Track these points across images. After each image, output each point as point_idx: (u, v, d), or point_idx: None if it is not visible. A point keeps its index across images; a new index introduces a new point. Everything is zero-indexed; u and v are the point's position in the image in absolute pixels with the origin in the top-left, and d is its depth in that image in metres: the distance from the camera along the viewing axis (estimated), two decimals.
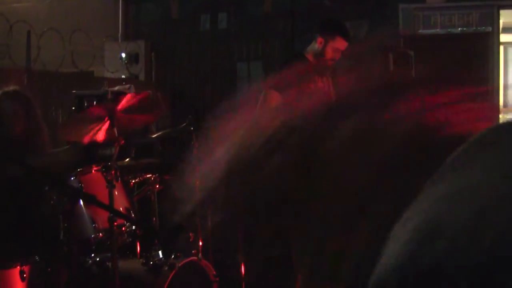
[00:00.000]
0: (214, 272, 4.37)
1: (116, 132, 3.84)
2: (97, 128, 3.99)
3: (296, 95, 5.15)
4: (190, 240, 4.64)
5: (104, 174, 3.74)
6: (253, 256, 4.90)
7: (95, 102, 6.49)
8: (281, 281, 5.64)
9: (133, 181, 4.32)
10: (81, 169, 3.91)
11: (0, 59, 7.54)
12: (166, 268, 4.03)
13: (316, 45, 5.23)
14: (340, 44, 5.14)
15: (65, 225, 3.71)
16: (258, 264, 5.83)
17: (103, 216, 3.69)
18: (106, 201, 3.48)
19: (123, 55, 9.02)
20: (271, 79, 5.29)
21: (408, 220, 0.74)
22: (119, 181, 3.93)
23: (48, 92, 7.42)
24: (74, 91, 6.83)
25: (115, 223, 3.58)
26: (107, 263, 4.20)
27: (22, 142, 4.56)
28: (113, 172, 3.63)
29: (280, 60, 5.59)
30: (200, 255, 4.38)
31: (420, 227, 0.71)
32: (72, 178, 3.84)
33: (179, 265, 4.03)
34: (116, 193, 3.74)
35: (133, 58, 9.13)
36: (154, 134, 5.90)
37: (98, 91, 6.89)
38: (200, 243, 4.63)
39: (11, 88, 4.79)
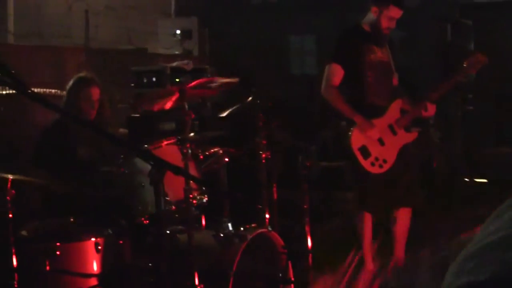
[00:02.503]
0: (283, 244, 4.39)
1: (186, 106, 3.87)
2: (166, 99, 4.05)
3: (359, 67, 5.14)
4: (258, 212, 4.67)
5: (180, 147, 3.78)
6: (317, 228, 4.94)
7: (154, 78, 6.56)
8: (345, 253, 5.69)
9: (202, 154, 4.35)
10: (150, 143, 3.96)
11: (59, 38, 7.65)
12: (237, 239, 4.07)
13: (371, 15, 5.20)
14: (394, 12, 5.11)
15: (138, 197, 3.77)
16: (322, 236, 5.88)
17: (174, 189, 3.73)
18: None
19: (177, 31, 9.06)
20: (332, 52, 5.27)
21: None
22: (189, 155, 3.97)
23: (105, 69, 7.51)
24: (132, 68, 6.90)
25: (191, 195, 3.63)
26: (178, 236, 4.27)
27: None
28: (188, 145, 3.67)
29: (334, 33, 5.53)
30: (269, 226, 4.40)
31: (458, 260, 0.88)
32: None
33: (250, 236, 4.06)
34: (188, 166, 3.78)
35: (186, 34, 9.16)
36: (208, 107, 5.95)
37: (157, 67, 6.94)
38: (267, 215, 4.66)
39: (87, 74, 4.90)
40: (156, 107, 4.24)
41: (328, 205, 7.13)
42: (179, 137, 3.86)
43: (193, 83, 3.87)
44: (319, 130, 8.12)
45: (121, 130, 6.76)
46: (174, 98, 3.92)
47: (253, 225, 4.40)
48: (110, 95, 7.08)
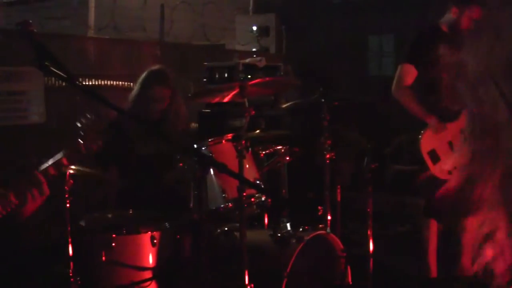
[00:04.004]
0: (342, 247, 4.30)
1: (246, 103, 3.83)
2: (226, 94, 4.03)
3: (433, 69, 4.98)
4: (319, 213, 4.59)
5: (234, 144, 3.74)
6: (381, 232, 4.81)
7: (226, 74, 6.54)
8: (409, 258, 5.54)
9: (263, 152, 4.29)
10: (212, 139, 3.93)
11: (135, 31, 7.74)
12: (294, 240, 4.00)
13: (450, 15, 5.03)
14: (476, 13, 4.93)
15: (195, 193, 3.75)
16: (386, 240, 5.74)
17: (233, 186, 3.69)
18: (236, 171, 3.47)
19: (254, 28, 9.05)
20: (406, 52, 5.13)
21: None
22: (249, 152, 3.92)
23: (180, 63, 7.56)
24: (205, 63, 6.91)
25: (244, 194, 3.57)
26: (235, 233, 4.23)
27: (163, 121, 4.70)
28: (243, 142, 3.62)
29: (414, 33, 5.38)
30: (328, 229, 4.32)
31: None
32: (203, 148, 3.86)
33: (307, 238, 3.99)
34: (246, 163, 3.73)
35: (263, 31, 9.14)
36: (284, 105, 5.89)
37: (229, 63, 6.92)
38: (329, 217, 4.58)
39: (161, 68, 4.88)
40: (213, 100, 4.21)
41: (398, 210, 6.98)
42: (234, 134, 3.81)
43: (253, 81, 3.82)
44: (395, 133, 7.96)
45: (193, 124, 6.79)
46: (233, 93, 3.89)
47: (320, 226, 4.34)
48: (184, 90, 7.14)
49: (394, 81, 5.08)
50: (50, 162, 2.84)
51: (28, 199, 2.66)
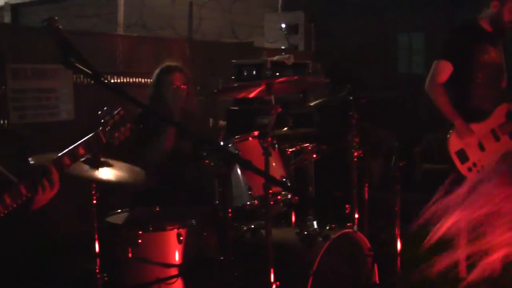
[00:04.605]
0: (369, 246, 4.26)
1: (273, 100, 3.81)
2: (251, 89, 4.02)
3: (469, 66, 4.91)
4: (346, 212, 4.56)
5: (261, 141, 3.72)
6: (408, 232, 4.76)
7: (254, 72, 6.54)
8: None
9: (290, 150, 4.27)
10: (238, 136, 3.92)
11: (163, 29, 7.76)
12: (320, 239, 3.98)
13: (489, 11, 4.95)
14: None
15: (220, 190, 3.74)
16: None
17: (259, 183, 3.67)
18: (262, 168, 3.46)
19: (283, 25, 9.03)
20: (442, 48, 5.06)
21: None
22: (276, 149, 3.89)
23: (208, 61, 7.57)
24: (233, 61, 6.91)
25: (271, 191, 3.55)
26: (261, 231, 4.22)
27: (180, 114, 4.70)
28: (269, 139, 3.59)
29: (444, 31, 5.31)
30: (355, 227, 4.28)
31: None
32: (230, 145, 3.85)
33: (334, 236, 3.96)
34: (272, 161, 3.71)
35: (292, 28, 9.12)
36: (312, 103, 5.86)
37: (257, 60, 6.92)
38: (356, 215, 4.54)
39: (174, 63, 4.91)
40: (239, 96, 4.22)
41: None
42: (261, 132, 3.79)
43: (279, 79, 3.81)
44: (425, 131, 7.89)
45: (221, 122, 6.79)
46: (259, 89, 3.87)
47: (348, 224, 4.31)
48: (212, 87, 7.14)
49: (428, 77, 5.01)
50: (66, 151, 2.82)
51: (39, 191, 2.65)
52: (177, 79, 4.77)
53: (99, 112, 3.00)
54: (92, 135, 2.90)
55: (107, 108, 3.00)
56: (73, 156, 2.80)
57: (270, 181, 3.32)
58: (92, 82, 2.22)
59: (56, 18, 2.29)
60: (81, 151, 2.82)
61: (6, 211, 2.56)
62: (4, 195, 2.58)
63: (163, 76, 4.81)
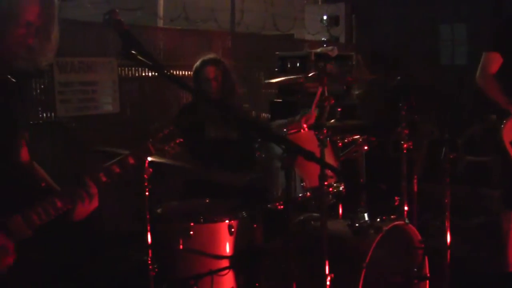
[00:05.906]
0: (420, 238, 4.23)
1: (326, 92, 3.80)
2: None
3: None
4: (395, 204, 4.52)
5: (316, 133, 3.70)
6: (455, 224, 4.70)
7: (298, 64, 6.52)
8: (485, 251, 5.43)
9: (341, 142, 4.25)
10: (291, 127, 3.91)
11: (206, 22, 7.77)
12: (372, 231, 3.95)
13: None
14: None
15: (278, 182, 3.74)
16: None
17: (312, 175, 3.65)
18: None
19: (324, 17, 8.99)
20: (491, 39, 4.99)
21: None
22: (328, 141, 3.88)
23: (251, 53, 7.57)
24: (277, 53, 6.90)
25: (326, 183, 3.54)
26: (311, 222, 4.20)
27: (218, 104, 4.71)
28: (325, 131, 3.58)
29: (486, 22, 5.23)
30: (407, 219, 4.25)
31: None
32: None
33: (386, 228, 3.93)
34: (326, 152, 3.69)
35: (333, 20, 9.08)
36: (353, 95, 5.84)
37: (301, 53, 6.90)
38: (406, 208, 4.50)
39: (211, 55, 4.95)
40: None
41: (472, 202, 6.83)
42: (316, 123, 3.77)
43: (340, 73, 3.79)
44: (468, 123, 7.81)
45: (264, 114, 6.79)
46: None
47: (392, 216, 4.26)
48: (254, 79, 7.15)
49: (478, 69, 4.94)
50: (115, 160, 2.81)
51: (77, 203, 2.65)
52: (210, 72, 4.81)
53: (149, 126, 3.01)
54: (140, 146, 2.89)
55: (157, 124, 3.02)
56: (123, 165, 2.78)
57: (335, 172, 3.30)
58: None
59: (117, 10, 2.30)
60: (131, 161, 2.81)
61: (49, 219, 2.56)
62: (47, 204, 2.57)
63: (198, 70, 4.87)
